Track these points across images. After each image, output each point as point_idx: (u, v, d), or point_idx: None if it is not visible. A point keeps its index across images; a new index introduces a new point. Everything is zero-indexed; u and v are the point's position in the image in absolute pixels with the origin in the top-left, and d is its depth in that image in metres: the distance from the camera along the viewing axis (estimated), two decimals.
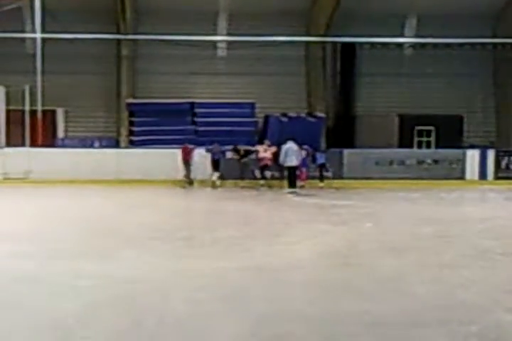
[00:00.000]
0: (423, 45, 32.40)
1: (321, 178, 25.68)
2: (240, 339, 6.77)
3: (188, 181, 25.34)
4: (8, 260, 10.48)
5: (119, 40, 31.74)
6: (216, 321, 7.29)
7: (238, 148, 26.05)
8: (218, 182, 24.89)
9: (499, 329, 7.12)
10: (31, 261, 10.37)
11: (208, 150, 25.65)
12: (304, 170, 25.09)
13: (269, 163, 25.29)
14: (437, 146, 31.55)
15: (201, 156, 25.63)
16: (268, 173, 25.44)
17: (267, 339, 6.74)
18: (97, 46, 30.92)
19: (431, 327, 7.09)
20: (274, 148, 25.33)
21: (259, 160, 25.47)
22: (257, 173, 25.34)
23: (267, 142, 25.95)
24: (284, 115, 29.77)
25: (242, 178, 25.42)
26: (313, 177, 25.57)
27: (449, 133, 31.90)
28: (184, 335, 6.86)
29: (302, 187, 24.23)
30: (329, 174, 25.91)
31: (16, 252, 11.06)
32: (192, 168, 25.48)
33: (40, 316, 7.47)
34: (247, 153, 25.95)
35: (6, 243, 11.99)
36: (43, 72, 27.75)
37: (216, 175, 25.05)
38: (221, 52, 33.08)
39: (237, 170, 25.51)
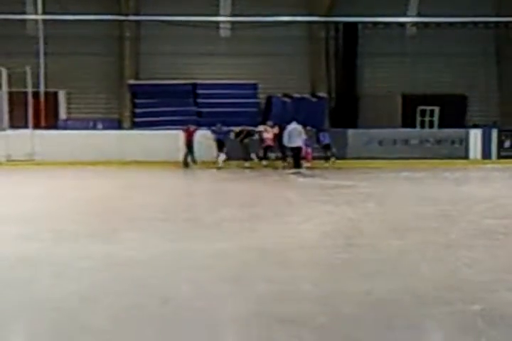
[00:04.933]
0: (426, 24, 32.19)
1: (326, 158, 25.70)
2: (244, 320, 6.79)
3: (185, 163, 25.24)
4: (11, 241, 10.51)
5: (121, 21, 31.57)
6: (220, 301, 7.31)
7: (237, 130, 25.89)
8: (222, 164, 24.82)
9: (502, 308, 7.13)
10: (35, 242, 10.40)
11: (212, 131, 25.58)
12: (309, 150, 25.04)
13: (271, 143, 25.30)
14: (440, 126, 31.53)
15: (204, 137, 25.59)
16: (272, 154, 25.46)
17: (270, 320, 6.75)
18: (99, 27, 30.73)
19: (434, 307, 7.10)
20: (276, 129, 25.29)
21: (262, 140, 25.46)
22: (260, 153, 25.34)
23: (269, 123, 25.91)
24: (287, 95, 29.69)
25: (245, 159, 25.39)
26: (317, 158, 25.56)
27: (452, 112, 31.85)
28: (187, 316, 6.87)
29: (308, 168, 24.16)
30: (329, 153, 25.83)
31: (19, 233, 11.09)
32: (193, 149, 25.39)
33: (43, 297, 7.49)
34: (248, 134, 25.88)
35: (10, 224, 12.03)
36: (44, 54, 27.70)
37: (222, 156, 24.96)
38: (224, 32, 32.93)
39: (239, 151, 25.45)
